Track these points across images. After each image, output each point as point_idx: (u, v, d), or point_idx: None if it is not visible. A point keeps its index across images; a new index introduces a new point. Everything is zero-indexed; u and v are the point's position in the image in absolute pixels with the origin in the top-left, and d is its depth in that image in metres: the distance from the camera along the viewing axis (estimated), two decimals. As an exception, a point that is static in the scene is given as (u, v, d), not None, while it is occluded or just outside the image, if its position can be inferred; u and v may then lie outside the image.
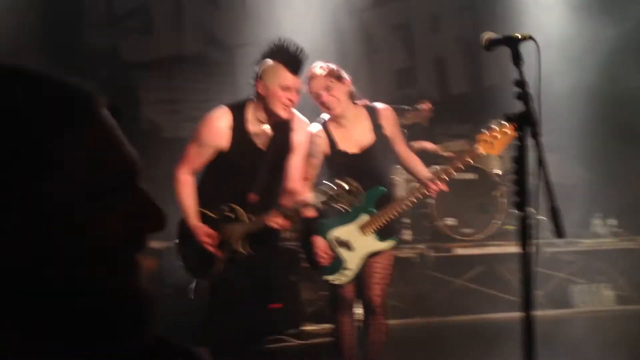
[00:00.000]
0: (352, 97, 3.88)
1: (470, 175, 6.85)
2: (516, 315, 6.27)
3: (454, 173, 3.78)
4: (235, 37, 8.46)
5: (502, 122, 3.46)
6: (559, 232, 2.40)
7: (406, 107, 7.27)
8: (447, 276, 7.00)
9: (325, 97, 3.74)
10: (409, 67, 8.93)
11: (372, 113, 3.90)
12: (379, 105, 3.97)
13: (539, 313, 6.59)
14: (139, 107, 8.35)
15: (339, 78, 3.80)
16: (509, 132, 3.50)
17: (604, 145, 7.73)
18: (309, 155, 3.86)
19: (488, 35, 2.69)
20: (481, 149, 3.61)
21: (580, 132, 8.04)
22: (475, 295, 6.88)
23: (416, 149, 7.15)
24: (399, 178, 7.06)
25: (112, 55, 8.28)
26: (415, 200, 3.84)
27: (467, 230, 6.84)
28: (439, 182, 3.75)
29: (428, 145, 7.31)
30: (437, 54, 8.90)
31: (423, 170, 3.95)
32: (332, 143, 3.87)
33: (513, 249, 6.01)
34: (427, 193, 3.81)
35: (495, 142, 3.56)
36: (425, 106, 7.49)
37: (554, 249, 7.02)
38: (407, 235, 6.86)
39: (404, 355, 5.44)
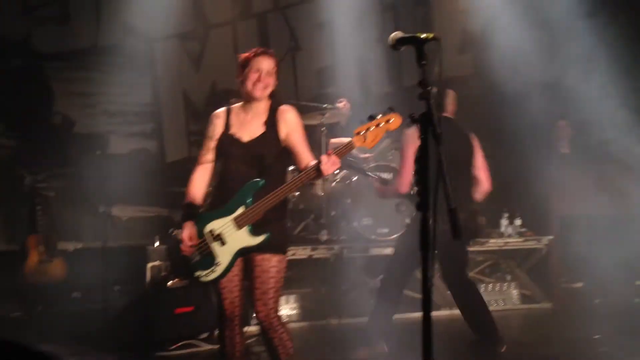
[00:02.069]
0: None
1: (385, 175, 6.93)
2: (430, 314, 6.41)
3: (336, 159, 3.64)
4: (156, 29, 8.29)
5: (376, 115, 3.56)
6: (455, 232, 2.43)
7: (326, 105, 7.30)
8: (362, 276, 7.05)
9: (265, 79, 3.78)
10: (331, 65, 8.97)
11: (273, 110, 3.88)
12: (282, 105, 3.95)
13: (447, 312, 6.80)
14: (52, 100, 8.06)
15: (276, 71, 3.88)
16: (382, 124, 3.55)
17: (511, 145, 7.97)
18: (207, 137, 3.86)
19: (395, 34, 2.71)
20: (355, 142, 3.59)
21: (489, 133, 8.26)
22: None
23: (335, 145, 7.19)
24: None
25: (24, 45, 7.98)
26: (291, 190, 3.71)
27: (383, 230, 6.90)
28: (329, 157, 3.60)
29: (346, 141, 7.33)
30: (359, 54, 8.97)
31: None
32: (226, 127, 3.83)
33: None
34: (321, 173, 3.61)
35: (367, 135, 3.56)
36: (345, 105, 7.55)
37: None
38: (323, 235, 6.87)
39: (320, 356, 5.43)
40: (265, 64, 3.79)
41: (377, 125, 3.56)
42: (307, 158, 3.84)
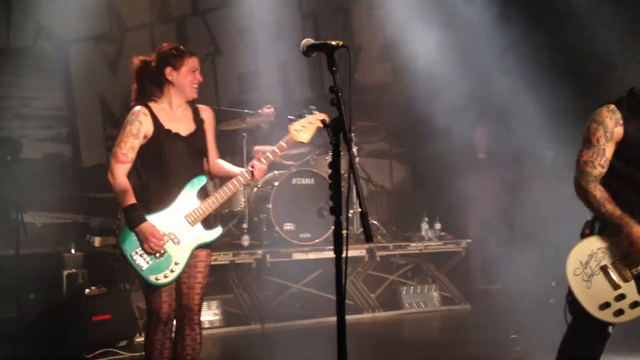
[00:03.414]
0: None
1: (307, 181, 6.95)
2: (354, 317, 6.48)
3: (271, 157, 3.81)
4: (70, 31, 8.05)
5: (312, 111, 3.75)
6: (367, 235, 2.45)
7: (248, 111, 7.27)
8: (285, 281, 7.04)
9: (198, 79, 3.81)
10: (253, 71, 8.94)
11: (195, 108, 3.91)
12: (200, 104, 3.98)
13: (369, 315, 6.86)
14: (-39, 103, 7.72)
15: None
16: (316, 120, 3.72)
17: (430, 150, 8.14)
18: (131, 135, 3.65)
19: (306, 41, 2.73)
20: (292, 137, 3.74)
21: (408, 139, 8.44)
22: (314, 299, 6.98)
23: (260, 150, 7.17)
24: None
25: None
26: (237, 188, 3.78)
27: (305, 236, 6.91)
28: (259, 163, 3.76)
29: (267, 149, 7.33)
30: (280, 60, 8.97)
31: (233, 167, 3.96)
32: (157, 122, 3.71)
33: (352, 252, 6.19)
34: (250, 177, 3.76)
35: (304, 130, 3.72)
36: (269, 110, 7.53)
37: (386, 252, 7.29)
38: (245, 240, 6.83)
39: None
40: (198, 65, 3.82)
41: (310, 122, 3.73)
42: (215, 154, 3.95)
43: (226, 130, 7.32)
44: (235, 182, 3.76)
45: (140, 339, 4.23)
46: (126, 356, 5.50)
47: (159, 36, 8.46)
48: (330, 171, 2.58)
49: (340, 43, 2.62)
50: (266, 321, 6.55)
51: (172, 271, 3.61)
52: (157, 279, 3.60)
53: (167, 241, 3.61)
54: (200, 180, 3.74)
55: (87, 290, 5.90)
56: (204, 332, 6.07)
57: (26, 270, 6.47)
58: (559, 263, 3.41)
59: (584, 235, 3.41)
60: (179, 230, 3.64)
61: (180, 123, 3.76)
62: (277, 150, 3.79)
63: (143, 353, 4.09)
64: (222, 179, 3.93)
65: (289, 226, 6.87)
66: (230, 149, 7.18)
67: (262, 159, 3.78)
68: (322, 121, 2.55)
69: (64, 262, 6.56)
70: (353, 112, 2.57)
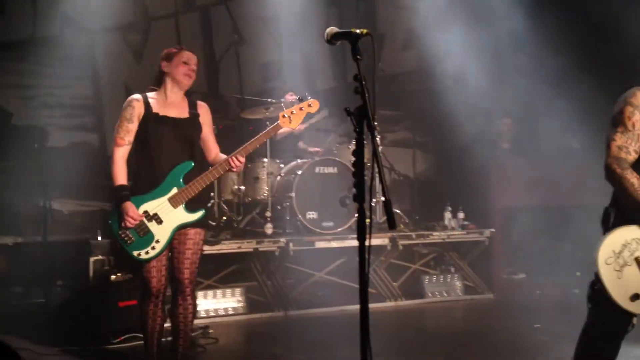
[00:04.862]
0: None
1: (330, 169, 6.96)
2: (376, 306, 6.49)
3: (250, 150, 4.10)
4: (96, 21, 8.13)
5: (301, 98, 4.17)
6: (389, 222, 2.46)
7: (271, 99, 7.29)
8: (308, 269, 7.08)
9: (192, 71, 4.16)
10: (276, 60, 8.95)
11: (192, 102, 4.24)
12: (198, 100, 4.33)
13: (391, 304, 6.87)
14: (-12, 92, 7.84)
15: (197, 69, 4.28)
16: (304, 108, 4.10)
17: (454, 140, 8.10)
18: (125, 120, 4.04)
19: (330, 29, 2.74)
20: (281, 124, 4.09)
21: (432, 128, 8.40)
22: (337, 287, 7.01)
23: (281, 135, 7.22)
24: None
25: (-41, 36, 7.75)
26: (219, 174, 4.08)
27: (327, 224, 6.93)
28: (237, 157, 4.03)
29: (301, 146, 7.42)
30: (304, 49, 8.97)
31: (222, 156, 4.25)
32: (148, 107, 4.07)
33: (375, 241, 6.20)
34: (230, 168, 4.06)
35: (292, 117, 4.08)
36: (292, 97, 7.54)
37: (408, 242, 7.29)
38: (268, 228, 6.87)
39: (267, 348, 5.44)
40: (192, 59, 4.17)
41: (300, 109, 4.11)
42: (216, 149, 4.28)
43: (250, 118, 7.37)
44: (214, 172, 4.06)
45: (167, 324, 4.38)
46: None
47: (184, 25, 8.52)
48: (353, 159, 2.60)
49: (365, 31, 2.64)
50: (289, 309, 6.59)
51: (153, 248, 4.00)
52: (139, 255, 4.01)
53: (151, 221, 3.98)
54: (187, 165, 4.05)
55: (113, 277, 5.99)
56: (228, 319, 6.29)
57: (53, 257, 6.58)
58: (583, 253, 3.38)
59: (604, 224, 3.35)
60: (161, 211, 4.00)
61: (172, 110, 4.13)
62: (255, 143, 4.08)
63: (169, 338, 4.30)
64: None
65: (312, 214, 6.90)
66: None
67: (240, 154, 4.05)
68: (346, 109, 2.56)
69: (91, 249, 6.63)
70: (377, 101, 2.59)
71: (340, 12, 9.36)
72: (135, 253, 4.00)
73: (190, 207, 4.06)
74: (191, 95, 4.30)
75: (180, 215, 4.04)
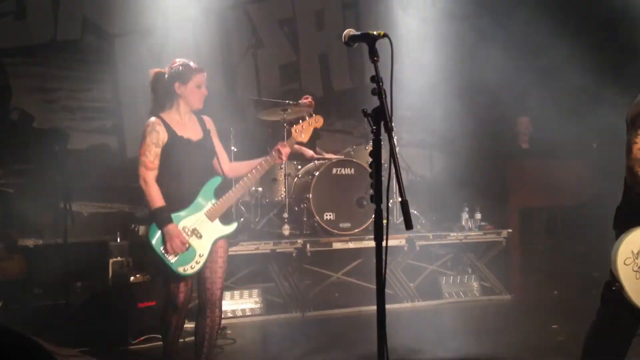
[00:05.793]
0: None
1: (347, 170, 6.98)
2: (393, 307, 6.48)
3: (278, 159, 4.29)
4: (116, 25, 8.23)
5: (311, 114, 4.40)
6: (407, 223, 2.48)
7: (289, 101, 7.32)
8: (325, 270, 7.10)
9: (204, 92, 4.26)
10: (294, 62, 8.99)
11: (200, 119, 4.34)
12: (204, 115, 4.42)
13: (408, 305, 6.86)
14: (10, 95, 7.94)
15: None
16: (311, 123, 4.37)
17: (472, 140, 8.09)
18: (152, 144, 4.10)
19: (348, 31, 2.77)
20: (295, 137, 4.34)
21: (449, 129, 8.38)
22: (353, 288, 7.03)
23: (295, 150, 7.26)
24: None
25: (-19, 40, 7.87)
26: (259, 174, 4.26)
27: (344, 225, 6.96)
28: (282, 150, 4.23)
29: (305, 150, 7.44)
30: (321, 51, 9.01)
31: (250, 161, 4.38)
32: (170, 130, 4.14)
33: (392, 242, 6.21)
34: (277, 160, 4.25)
35: (303, 131, 4.36)
36: (306, 100, 7.57)
37: (425, 242, 7.29)
38: (285, 230, 6.91)
39: (284, 349, 5.47)
40: (204, 80, 4.26)
41: (309, 124, 4.39)
42: (227, 160, 4.44)
43: (268, 120, 7.41)
44: (259, 168, 4.23)
45: (187, 324, 4.46)
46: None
47: (202, 28, 8.58)
48: (371, 160, 2.63)
49: (382, 33, 2.67)
50: (306, 310, 6.63)
51: (197, 262, 4.13)
52: (185, 270, 4.10)
53: (192, 236, 4.10)
54: (216, 180, 4.21)
55: (132, 278, 6.03)
56: (246, 320, 6.35)
57: (73, 258, 6.64)
58: (600, 253, 3.38)
59: (616, 225, 3.34)
60: (200, 225, 4.14)
61: (190, 130, 4.22)
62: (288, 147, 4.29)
63: (190, 339, 4.38)
64: (241, 175, 4.34)
65: (329, 216, 6.93)
66: (277, 138, 7.26)
67: (283, 145, 4.27)
68: (363, 110, 2.60)
69: (110, 250, 6.72)
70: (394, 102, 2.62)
71: (357, 13, 9.37)
72: (180, 269, 4.09)
73: (225, 220, 4.23)
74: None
75: (218, 228, 4.19)
